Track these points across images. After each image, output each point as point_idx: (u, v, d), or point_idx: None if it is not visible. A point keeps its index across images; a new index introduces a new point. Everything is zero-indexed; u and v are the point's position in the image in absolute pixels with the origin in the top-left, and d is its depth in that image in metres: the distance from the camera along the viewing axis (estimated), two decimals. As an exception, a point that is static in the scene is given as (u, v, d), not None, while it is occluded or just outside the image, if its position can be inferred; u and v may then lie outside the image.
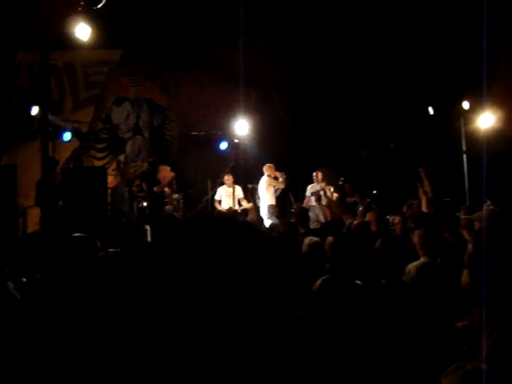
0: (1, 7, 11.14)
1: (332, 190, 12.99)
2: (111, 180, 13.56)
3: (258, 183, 13.31)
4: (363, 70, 14.26)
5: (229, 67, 13.89)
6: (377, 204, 12.65)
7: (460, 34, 12.86)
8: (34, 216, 10.76)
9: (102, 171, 9.91)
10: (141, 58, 14.21)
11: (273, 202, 12.76)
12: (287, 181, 13.15)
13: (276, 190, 13.11)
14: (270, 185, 12.81)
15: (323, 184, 13.09)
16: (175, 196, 12.29)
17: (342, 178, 14.26)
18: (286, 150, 14.64)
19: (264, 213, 12.65)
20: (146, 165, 14.17)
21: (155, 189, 11.65)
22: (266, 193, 12.77)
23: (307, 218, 8.95)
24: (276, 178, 12.98)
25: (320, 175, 13.25)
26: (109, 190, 13.02)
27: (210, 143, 14.36)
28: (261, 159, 13.86)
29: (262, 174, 13.15)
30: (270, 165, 12.99)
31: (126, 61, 14.21)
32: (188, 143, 14.69)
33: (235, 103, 14.63)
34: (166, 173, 11.93)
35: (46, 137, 11.47)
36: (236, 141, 14.30)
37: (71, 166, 13.29)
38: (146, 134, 14.96)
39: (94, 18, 10.51)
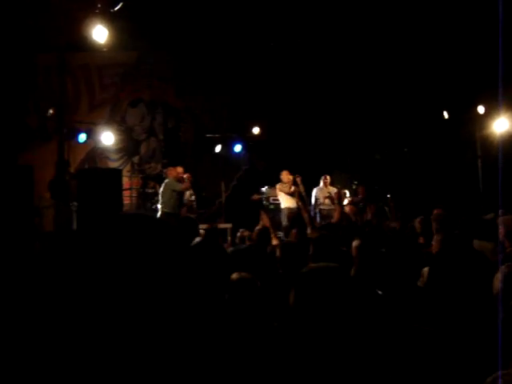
0: (18, 10, 11.24)
1: (347, 193, 12.98)
2: (126, 181, 13.67)
3: (272, 186, 13.24)
4: (379, 74, 14.26)
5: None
6: (390, 207, 12.64)
7: (476, 38, 12.82)
8: (49, 216, 10.85)
9: (117, 173, 9.92)
10: (156, 61, 14.28)
11: (288, 205, 12.54)
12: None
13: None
14: (280, 190, 12.64)
15: (331, 188, 13.00)
16: (191, 198, 12.31)
17: (356, 182, 14.25)
18: (300, 154, 14.63)
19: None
20: (159, 166, 14.23)
21: (182, 187, 11.53)
22: (281, 198, 12.64)
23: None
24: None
25: (328, 179, 13.14)
26: (126, 192, 13.23)
27: (225, 145, 14.40)
28: (275, 162, 13.88)
29: (276, 176, 13.08)
30: (285, 172, 12.79)
31: (142, 63, 14.29)
32: (202, 145, 14.72)
33: (248, 106, 14.70)
34: (176, 172, 11.81)
35: (62, 138, 11.57)
36: (250, 143, 14.35)
37: (86, 167, 13.40)
38: (161, 136, 15.02)
39: (111, 20, 10.58)
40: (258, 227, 7.07)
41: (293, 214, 11.19)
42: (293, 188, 12.27)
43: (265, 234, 6.87)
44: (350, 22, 12.96)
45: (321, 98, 14.96)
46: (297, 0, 12.58)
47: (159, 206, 11.42)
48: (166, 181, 11.40)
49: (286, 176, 12.49)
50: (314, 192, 12.90)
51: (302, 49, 14.04)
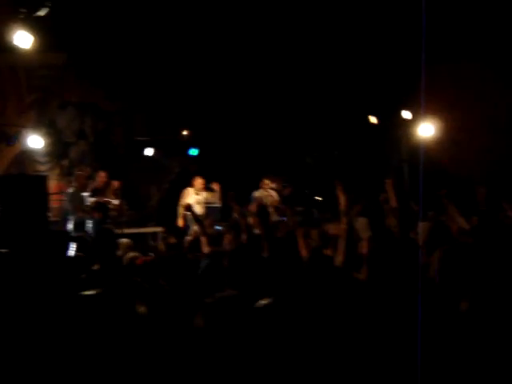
0: None
1: (274, 195, 13.12)
2: (55, 185, 13.47)
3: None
4: (309, 78, 14.46)
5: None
6: (320, 210, 12.88)
7: (400, 42, 13.16)
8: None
9: (42, 179, 9.76)
10: (86, 62, 14.09)
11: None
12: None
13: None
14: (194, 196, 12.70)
15: (271, 191, 13.17)
16: (116, 202, 12.21)
17: (285, 184, 14.41)
18: (232, 158, 14.73)
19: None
20: (90, 170, 14.04)
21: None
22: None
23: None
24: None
25: (267, 182, 13.26)
26: (56, 196, 13.07)
27: (156, 148, 14.35)
28: (207, 166, 13.93)
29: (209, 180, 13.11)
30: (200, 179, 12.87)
31: (71, 65, 14.07)
32: (133, 149, 14.63)
33: (182, 109, 14.68)
34: (101, 178, 11.82)
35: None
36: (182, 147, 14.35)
37: (13, 171, 13.13)
38: (91, 139, 14.83)
39: (37, 23, 10.39)
40: (188, 238, 7.12)
41: None
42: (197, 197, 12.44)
43: (195, 244, 6.93)
44: (274, 26, 13.10)
45: (251, 102, 15.08)
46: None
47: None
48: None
49: (198, 182, 12.62)
50: (254, 195, 12.97)
51: (232, 51, 14.12)
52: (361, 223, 6.47)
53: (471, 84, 13.40)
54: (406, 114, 13.96)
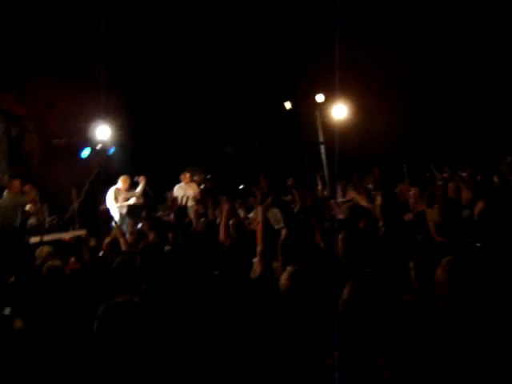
0: None
1: (195, 188, 13.16)
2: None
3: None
4: (224, 69, 14.54)
5: (88, 71, 13.73)
6: (243, 198, 13.01)
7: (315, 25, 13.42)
8: None
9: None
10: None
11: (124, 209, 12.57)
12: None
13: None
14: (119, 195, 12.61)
15: (192, 184, 13.17)
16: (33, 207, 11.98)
17: (209, 176, 14.47)
18: (151, 153, 14.66)
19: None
20: (6, 177, 13.68)
21: (26, 199, 11.30)
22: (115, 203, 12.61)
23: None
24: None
25: (188, 176, 13.25)
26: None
27: (72, 151, 14.12)
28: (125, 164, 13.81)
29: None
30: (125, 177, 12.78)
31: (-24, 71, 13.66)
32: (49, 153, 14.34)
33: (96, 108, 14.43)
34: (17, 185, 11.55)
35: None
36: (99, 147, 14.13)
37: None
38: (4, 146, 14.44)
39: None
40: (106, 240, 7.08)
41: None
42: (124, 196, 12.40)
43: (114, 245, 6.89)
44: (193, 20, 13.12)
45: (167, 94, 15.03)
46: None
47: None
48: (10, 197, 11.10)
49: (125, 181, 12.55)
50: (175, 189, 12.93)
51: (146, 44, 14.03)
52: (273, 214, 6.60)
53: (382, 66, 13.76)
54: (319, 98, 14.22)
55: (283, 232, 5.20)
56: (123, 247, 6.86)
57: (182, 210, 4.94)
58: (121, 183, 12.62)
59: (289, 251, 4.85)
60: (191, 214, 10.32)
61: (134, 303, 2.73)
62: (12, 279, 4.91)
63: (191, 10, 13.18)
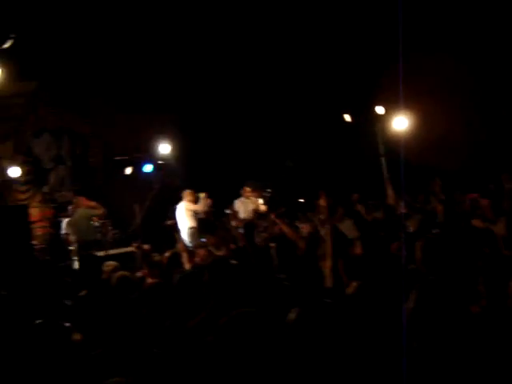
0: None
1: (256, 202, 13.14)
2: (37, 212, 13.47)
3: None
4: (282, 81, 14.58)
5: (149, 89, 14.05)
6: (303, 212, 12.92)
7: (372, 40, 13.31)
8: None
9: (23, 208, 9.81)
10: (57, 88, 14.09)
11: (193, 224, 12.58)
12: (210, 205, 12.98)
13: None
14: (188, 209, 12.68)
15: (253, 199, 13.17)
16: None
17: (269, 190, 14.42)
18: (211, 167, 14.77)
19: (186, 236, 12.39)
20: (71, 194, 14.04)
21: (99, 212, 11.64)
22: (186, 218, 12.67)
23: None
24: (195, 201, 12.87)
25: (248, 190, 13.26)
26: (39, 223, 13.10)
27: (135, 167, 14.39)
28: (187, 179, 13.97)
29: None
30: (190, 191, 12.86)
31: (42, 91, 14.07)
32: (112, 169, 14.65)
33: (157, 124, 14.69)
34: (87, 201, 11.85)
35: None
36: (160, 162, 14.36)
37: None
38: (69, 163, 14.83)
39: (3, 55, 10.41)
40: (167, 254, 7.14)
41: None
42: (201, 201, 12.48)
43: (174, 260, 6.94)
44: (251, 34, 13.21)
45: (227, 110, 15.15)
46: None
47: (75, 237, 11.43)
48: (80, 211, 11.41)
49: (190, 195, 12.64)
50: (235, 205, 12.91)
51: (206, 62, 14.20)
52: (347, 225, 6.55)
53: (444, 76, 13.54)
54: (380, 110, 14.10)
55: (357, 244, 5.14)
56: (186, 263, 6.88)
57: (250, 224, 4.94)
58: (187, 198, 12.69)
59: (361, 264, 4.79)
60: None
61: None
62: (83, 293, 5.01)
63: (249, 25, 13.27)
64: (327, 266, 4.61)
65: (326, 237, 4.87)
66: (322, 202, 5.55)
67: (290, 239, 5.90)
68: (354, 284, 3.73)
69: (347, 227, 6.46)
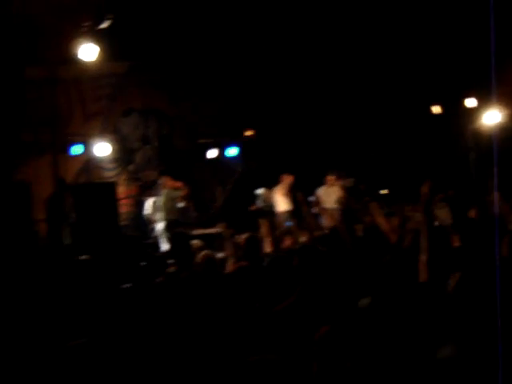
0: (7, 28, 11.32)
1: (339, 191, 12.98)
2: (122, 190, 13.78)
3: (267, 187, 13.26)
4: (370, 70, 14.37)
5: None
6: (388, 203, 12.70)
7: (465, 32, 12.92)
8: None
9: (111, 186, 10.07)
10: (147, 69, 14.32)
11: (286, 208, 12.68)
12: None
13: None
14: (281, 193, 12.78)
15: (335, 187, 13.06)
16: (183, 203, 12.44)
17: (353, 179, 14.24)
18: (295, 154, 14.71)
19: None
20: (155, 174, 14.29)
21: (181, 194, 11.83)
22: (279, 201, 12.75)
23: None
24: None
25: (331, 178, 13.16)
26: (124, 200, 13.42)
27: (218, 149, 14.49)
28: (269, 163, 13.99)
29: (274, 177, 13.15)
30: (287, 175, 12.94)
31: (133, 72, 14.33)
32: (195, 151, 14.80)
33: (240, 107, 14.77)
34: (172, 181, 12.01)
35: (56, 152, 11.63)
36: (244, 146, 14.44)
37: (81, 179, 13.49)
38: (155, 144, 15.08)
39: (99, 35, 10.66)
40: (243, 236, 7.11)
41: None
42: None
43: (252, 242, 6.90)
44: (338, 25, 13.06)
45: (314, 96, 15.04)
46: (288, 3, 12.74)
47: (160, 216, 11.62)
48: (165, 191, 11.59)
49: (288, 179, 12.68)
50: (318, 193, 12.78)
51: (292, 48, 14.15)
52: (444, 211, 6.37)
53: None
54: (471, 102, 13.69)
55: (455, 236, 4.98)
56: (268, 247, 6.85)
57: (348, 210, 4.88)
58: (284, 181, 12.80)
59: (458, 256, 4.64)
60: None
61: None
62: (172, 269, 5.08)
63: (335, 18, 13.14)
64: (422, 259, 4.48)
65: (422, 228, 4.73)
66: (425, 189, 5.40)
67: (382, 230, 5.79)
68: (456, 276, 3.59)
69: (443, 213, 6.30)
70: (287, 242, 7.25)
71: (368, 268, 4.47)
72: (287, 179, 12.87)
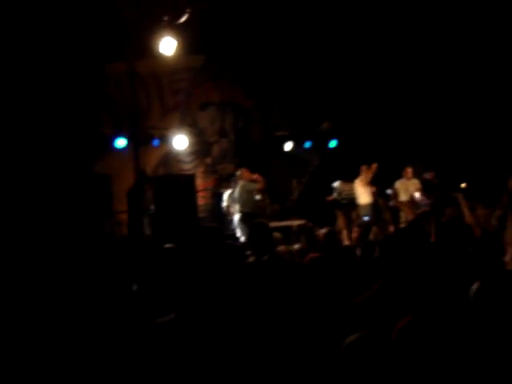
0: (86, 23, 11.63)
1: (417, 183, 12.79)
2: (200, 182, 13.97)
3: (344, 180, 13.18)
4: (448, 65, 14.11)
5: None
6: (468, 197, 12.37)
7: None
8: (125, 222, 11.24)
9: (191, 178, 10.25)
10: (224, 63, 14.45)
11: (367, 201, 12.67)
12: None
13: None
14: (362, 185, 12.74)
15: (413, 180, 12.89)
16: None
17: (431, 173, 13.97)
18: (372, 147, 14.54)
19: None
20: (232, 167, 14.42)
21: (257, 187, 11.88)
22: (361, 193, 12.73)
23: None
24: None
25: (409, 171, 12.98)
26: (202, 193, 13.60)
27: (294, 142, 14.47)
28: (347, 157, 13.89)
29: (352, 171, 13.07)
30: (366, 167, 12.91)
31: (210, 66, 14.49)
32: (271, 144, 14.84)
33: (319, 102, 14.70)
34: (249, 173, 12.05)
35: (137, 145, 11.85)
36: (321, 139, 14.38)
37: (161, 171, 13.75)
38: (232, 137, 15.22)
39: (178, 29, 10.81)
40: (323, 230, 7.09)
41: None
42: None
43: (332, 236, 6.87)
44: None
45: (390, 91, 14.83)
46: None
47: (236, 208, 11.69)
48: (242, 183, 11.65)
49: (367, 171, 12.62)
50: (396, 185, 12.81)
51: (369, 40, 13.99)
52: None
53: None
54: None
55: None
56: (345, 239, 6.84)
57: (441, 201, 4.80)
58: (364, 173, 12.83)
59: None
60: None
61: None
62: (252, 259, 5.10)
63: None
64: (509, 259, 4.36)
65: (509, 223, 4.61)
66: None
67: (467, 222, 5.66)
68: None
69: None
70: (354, 234, 7.21)
71: (452, 259, 4.37)
72: (368, 170, 12.76)
